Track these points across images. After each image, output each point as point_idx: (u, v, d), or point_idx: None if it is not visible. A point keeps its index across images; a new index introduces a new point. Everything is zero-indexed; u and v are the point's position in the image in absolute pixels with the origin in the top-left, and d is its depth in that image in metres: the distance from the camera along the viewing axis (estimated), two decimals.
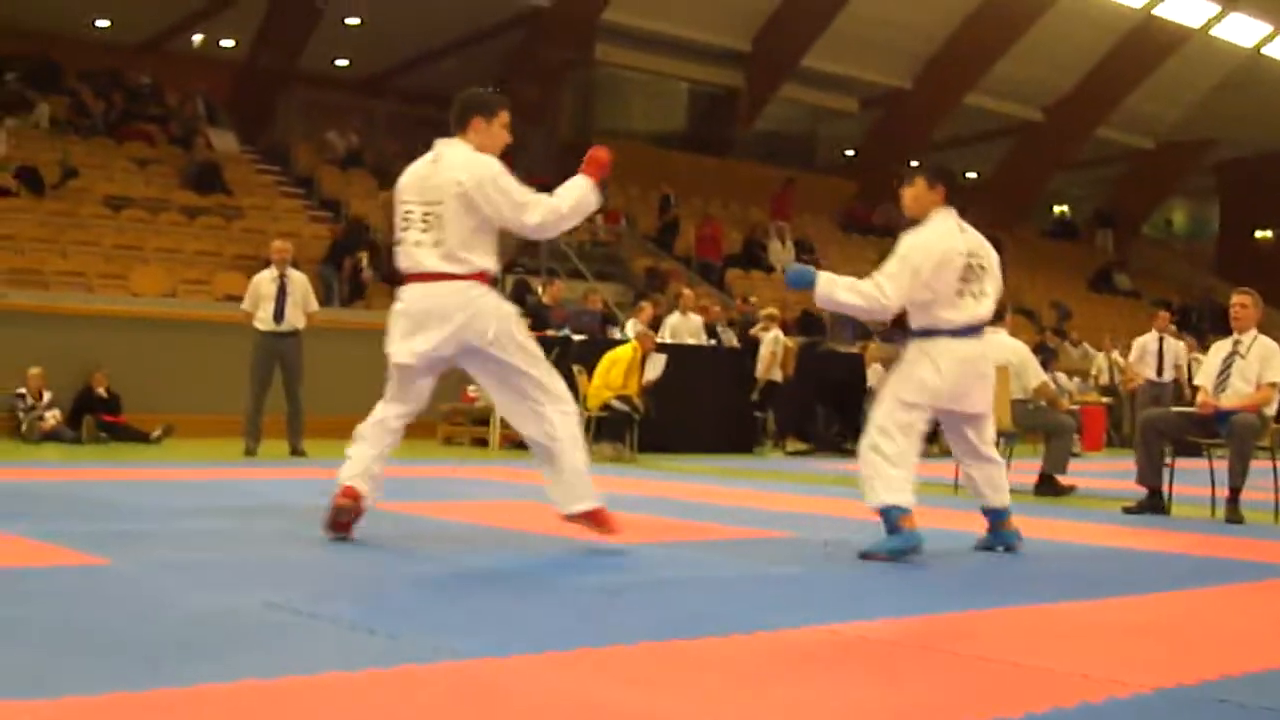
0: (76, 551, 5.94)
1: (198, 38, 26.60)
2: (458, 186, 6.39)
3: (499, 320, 6.50)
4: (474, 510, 8.43)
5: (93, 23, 25.21)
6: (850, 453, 16.79)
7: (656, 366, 15.39)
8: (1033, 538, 7.34)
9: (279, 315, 13.31)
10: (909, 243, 6.67)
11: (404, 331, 6.59)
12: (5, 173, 19.20)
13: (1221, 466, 9.49)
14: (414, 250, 6.53)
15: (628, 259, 25.11)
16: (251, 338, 13.40)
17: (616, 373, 15.20)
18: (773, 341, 18.08)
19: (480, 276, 6.49)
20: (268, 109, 26.37)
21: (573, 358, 15.59)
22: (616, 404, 15.10)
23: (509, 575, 5.80)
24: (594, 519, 6.64)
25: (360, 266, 19.81)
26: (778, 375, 17.87)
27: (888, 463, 6.53)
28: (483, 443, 16.32)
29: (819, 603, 5.34)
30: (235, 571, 5.64)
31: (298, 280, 13.66)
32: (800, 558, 6.62)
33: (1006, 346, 11.04)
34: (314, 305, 13.83)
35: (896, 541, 6.47)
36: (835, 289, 6.60)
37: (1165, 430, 9.67)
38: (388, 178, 24.26)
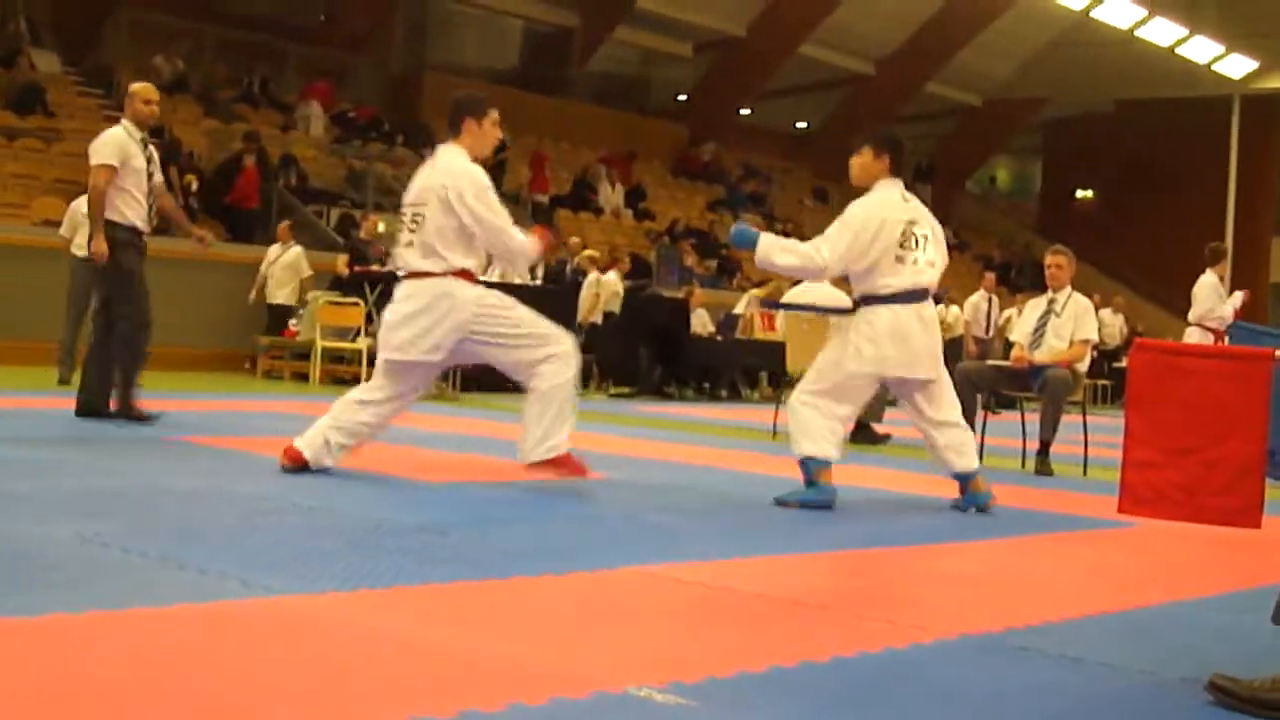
0: None
1: None
2: (442, 190, 6.70)
3: (477, 309, 6.78)
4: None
5: None
6: (670, 396, 16.97)
7: None
8: (845, 485, 7.45)
9: None
10: (851, 208, 6.77)
11: (389, 327, 6.91)
12: None
13: (1033, 420, 9.71)
14: (403, 251, 6.92)
15: None
16: (69, 265, 13.09)
17: None
18: (594, 284, 18.11)
19: (460, 274, 6.76)
20: (93, 30, 25.63)
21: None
22: None
23: (329, 513, 5.75)
24: (557, 464, 6.85)
25: (190, 190, 19.43)
26: (599, 317, 17.90)
27: (816, 414, 6.68)
28: (303, 377, 16.15)
29: (635, 544, 5.38)
30: (46, 503, 5.53)
31: None
32: (619, 500, 6.66)
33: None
34: None
35: (810, 494, 6.64)
36: (774, 250, 6.67)
37: (980, 383, 9.86)
38: (214, 105, 23.86)
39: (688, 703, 3.07)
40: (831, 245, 6.67)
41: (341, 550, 4.83)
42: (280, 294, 17.24)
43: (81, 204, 13.17)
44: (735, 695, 3.18)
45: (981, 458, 9.64)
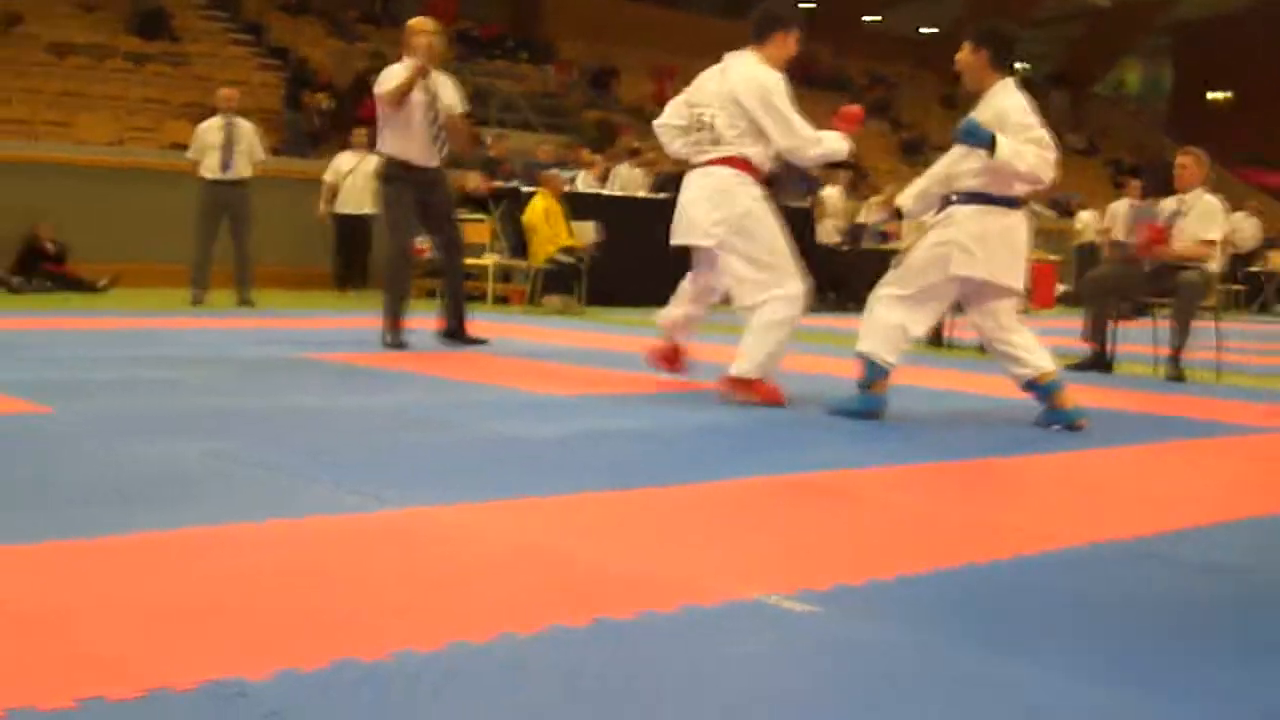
0: (20, 399, 5.91)
1: None
2: (735, 94, 6.99)
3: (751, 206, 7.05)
4: (421, 361, 8.41)
5: None
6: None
7: (590, 233, 15.35)
8: (973, 393, 7.40)
9: (226, 164, 13.19)
10: (1017, 112, 6.35)
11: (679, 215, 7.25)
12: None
13: (1166, 326, 9.56)
14: (689, 149, 7.21)
15: (576, 111, 24.92)
16: (198, 187, 13.27)
17: (557, 224, 15.19)
18: None
19: (744, 165, 7.04)
20: None
21: (522, 209, 15.54)
22: (562, 256, 15.10)
23: (453, 425, 5.81)
24: (745, 386, 6.90)
25: (321, 108, 19.55)
26: None
27: (891, 315, 6.53)
28: (434, 294, 16.22)
29: (762, 453, 5.37)
30: (179, 421, 5.62)
31: (245, 129, 13.52)
32: (747, 411, 6.65)
33: None
34: (261, 155, 13.71)
35: (859, 403, 6.52)
36: (1014, 156, 6.25)
37: (1113, 288, 9.71)
38: (337, 25, 23.97)
39: (818, 609, 3.07)
40: (1050, 161, 6.34)
41: (473, 463, 4.88)
42: (358, 205, 16.23)
43: (208, 126, 13.35)
44: (866, 603, 3.17)
45: (1113, 365, 9.58)
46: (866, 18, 34.56)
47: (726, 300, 7.26)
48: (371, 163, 15.92)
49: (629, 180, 17.76)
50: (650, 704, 2.44)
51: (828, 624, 2.99)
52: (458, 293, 9.76)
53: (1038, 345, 6.53)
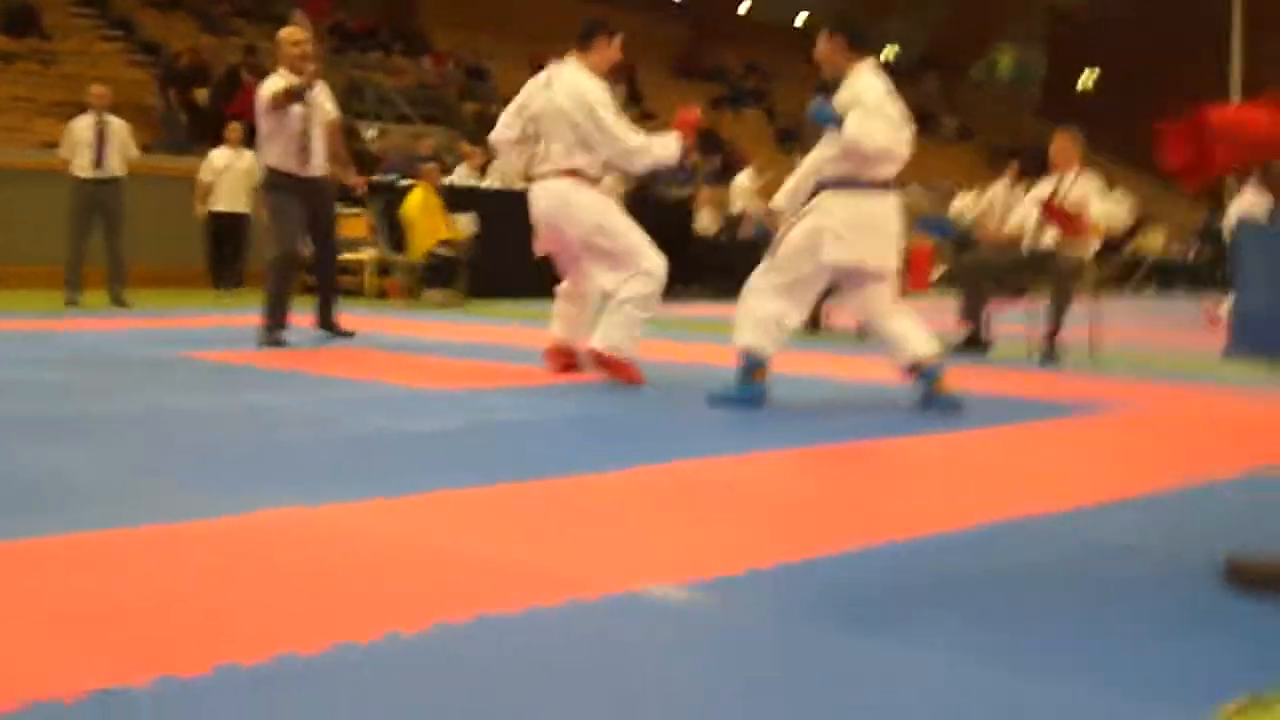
0: None
1: None
2: (565, 105, 7.31)
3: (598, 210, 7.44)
4: (299, 359, 8.34)
5: None
6: (678, 296, 16.95)
7: (468, 224, 15.32)
8: (853, 379, 7.47)
9: (99, 162, 13.01)
10: (866, 92, 6.37)
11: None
12: None
13: (1039, 308, 9.68)
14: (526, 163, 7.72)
15: (453, 103, 24.81)
16: (69, 186, 13.07)
17: (436, 218, 15.15)
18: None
19: (578, 177, 7.39)
20: None
21: (400, 203, 15.48)
22: (441, 250, 15.06)
23: (332, 422, 5.77)
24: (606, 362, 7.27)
25: (197, 105, 19.30)
26: None
27: (764, 305, 6.53)
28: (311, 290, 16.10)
29: (643, 443, 5.38)
30: (58, 425, 5.54)
31: (117, 126, 13.34)
32: (633, 402, 6.66)
33: None
34: (134, 152, 13.54)
35: (739, 392, 6.53)
36: (863, 135, 6.30)
37: (989, 271, 9.83)
38: (209, 20, 23.68)
39: (701, 599, 3.08)
40: (897, 134, 6.40)
41: (353, 461, 4.86)
42: (233, 202, 16.02)
43: (79, 124, 13.14)
44: (749, 592, 3.19)
45: (989, 348, 9.70)
46: (742, 8, 34.67)
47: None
48: (246, 159, 15.77)
49: (507, 172, 17.72)
50: (538, 699, 2.44)
51: (711, 614, 3.00)
52: (330, 289, 9.97)
53: (918, 329, 6.59)
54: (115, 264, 13.17)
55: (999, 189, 18.17)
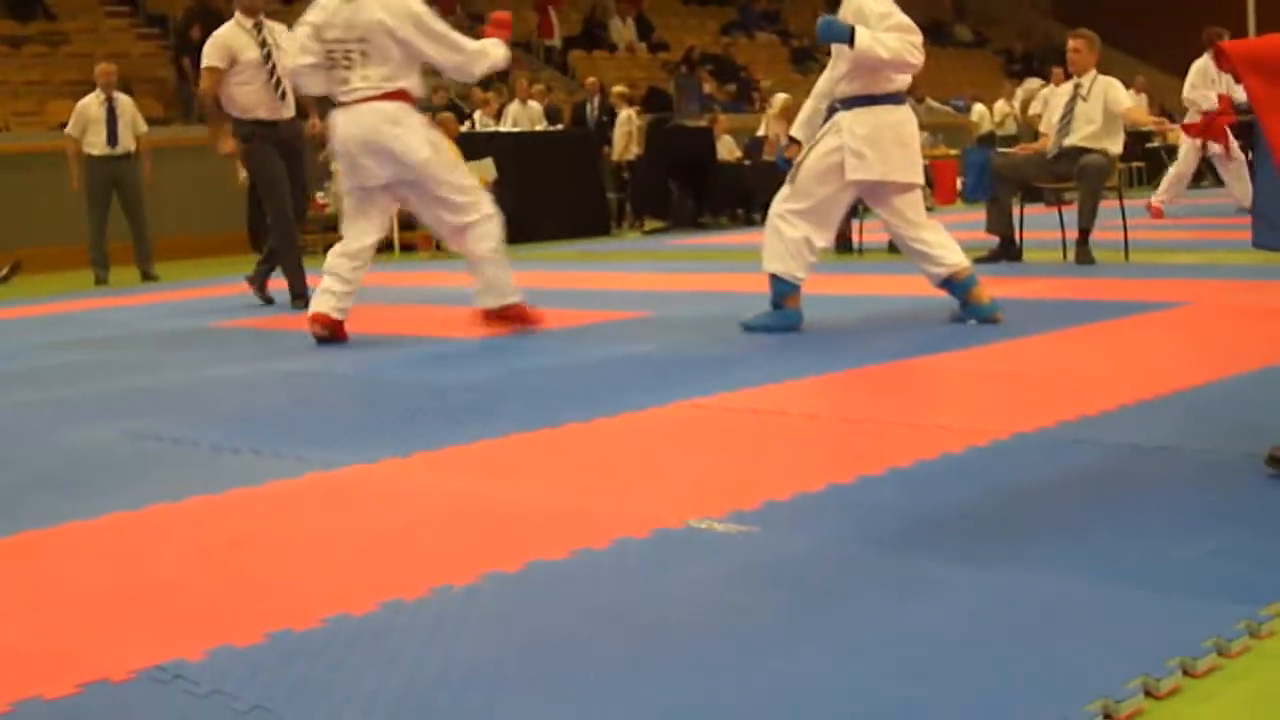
0: None
1: None
2: (382, 23, 6.73)
3: (429, 145, 6.90)
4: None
5: None
6: (705, 225, 16.92)
7: (487, 170, 15.28)
8: (888, 295, 7.42)
9: (112, 139, 12.99)
10: (881, 5, 6.32)
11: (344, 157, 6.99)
12: None
13: (1071, 211, 9.61)
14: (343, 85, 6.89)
15: None
16: (84, 165, 13.06)
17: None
18: (627, 120, 17.97)
19: (405, 98, 6.87)
20: None
21: None
22: None
23: (372, 380, 5.77)
24: (513, 313, 7.10)
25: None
26: (632, 154, 17.82)
27: (792, 231, 6.49)
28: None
29: (682, 379, 5.36)
30: (97, 404, 5.56)
31: (125, 102, 13.32)
32: (664, 337, 6.64)
33: None
34: (143, 127, 13.51)
35: (773, 319, 6.53)
36: (875, 44, 6.20)
37: (1014, 177, 9.75)
38: None
39: (749, 529, 3.07)
40: (915, 45, 6.28)
41: (391, 417, 4.85)
42: None
43: (88, 102, 13.13)
44: (795, 517, 3.17)
45: (1021, 253, 9.63)
46: None
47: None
48: None
49: (521, 116, 17.67)
50: (592, 642, 2.43)
51: (762, 543, 2.99)
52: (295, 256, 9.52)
53: (949, 241, 6.55)
54: (140, 239, 13.19)
55: (1049, 91, 17.98)
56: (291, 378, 6.05)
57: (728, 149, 18.16)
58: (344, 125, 6.88)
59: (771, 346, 6.13)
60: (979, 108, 23.20)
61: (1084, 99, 9.53)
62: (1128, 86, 10.04)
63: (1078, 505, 3.18)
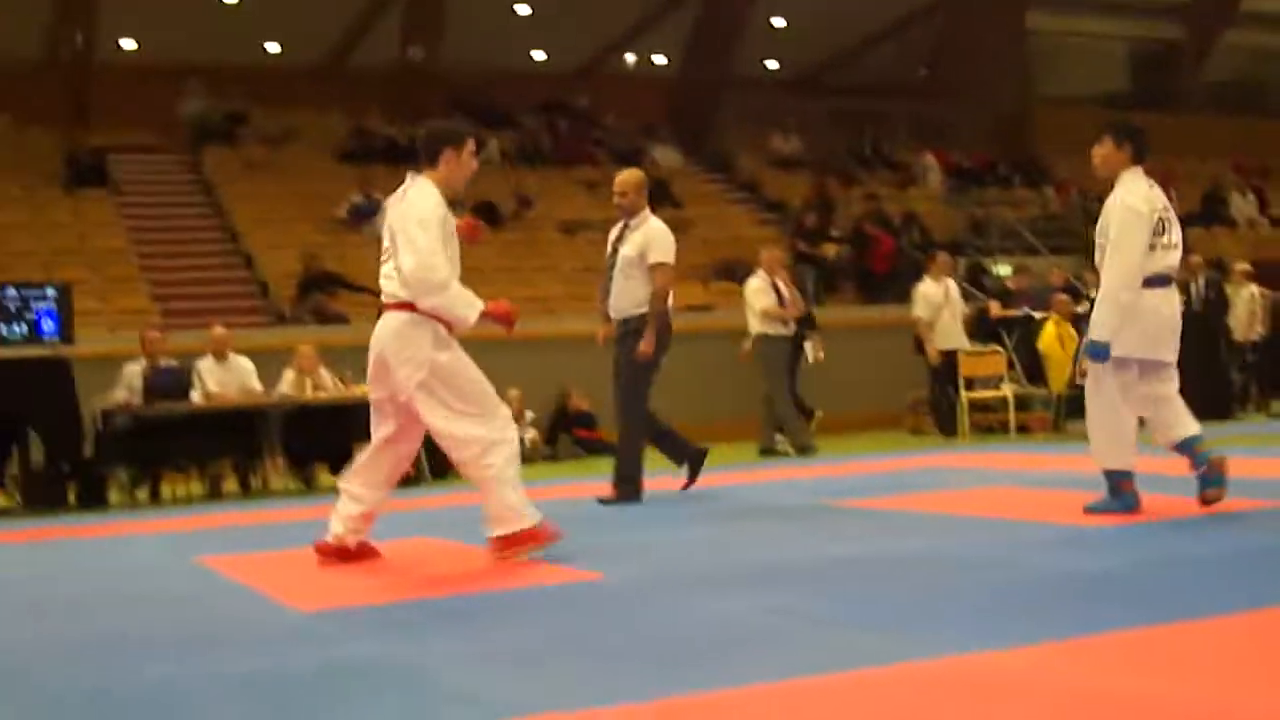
0: (568, 567, 6.09)
1: (630, 58, 27.21)
2: (401, 222, 6.40)
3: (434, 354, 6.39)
4: (947, 500, 8.27)
5: (529, 55, 26.14)
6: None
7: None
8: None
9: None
10: (1121, 211, 6.78)
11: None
12: (464, 209, 20.04)
13: None
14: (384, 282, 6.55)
15: (1078, 231, 24.40)
16: (761, 341, 14.18)
17: (1071, 348, 14.99)
18: (1249, 299, 17.30)
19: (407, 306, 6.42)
20: (705, 119, 26.64)
21: (1036, 336, 15.46)
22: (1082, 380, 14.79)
23: (993, 564, 5.67)
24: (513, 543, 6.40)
25: (828, 258, 20.14)
26: (1256, 333, 17.14)
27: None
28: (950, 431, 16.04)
29: None
30: (727, 577, 5.68)
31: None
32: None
33: None
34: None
35: (1116, 504, 6.94)
36: (1106, 316, 6.81)
37: None
38: (831, 174, 24.39)
39: None
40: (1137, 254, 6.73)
41: (1022, 601, 4.73)
42: (949, 339, 15.72)
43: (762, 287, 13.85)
44: None
45: None
46: None
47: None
48: (955, 290, 16.02)
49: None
50: None
51: None
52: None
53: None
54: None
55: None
56: (913, 559, 6.00)
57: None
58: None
59: None
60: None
61: None
62: None
63: None
